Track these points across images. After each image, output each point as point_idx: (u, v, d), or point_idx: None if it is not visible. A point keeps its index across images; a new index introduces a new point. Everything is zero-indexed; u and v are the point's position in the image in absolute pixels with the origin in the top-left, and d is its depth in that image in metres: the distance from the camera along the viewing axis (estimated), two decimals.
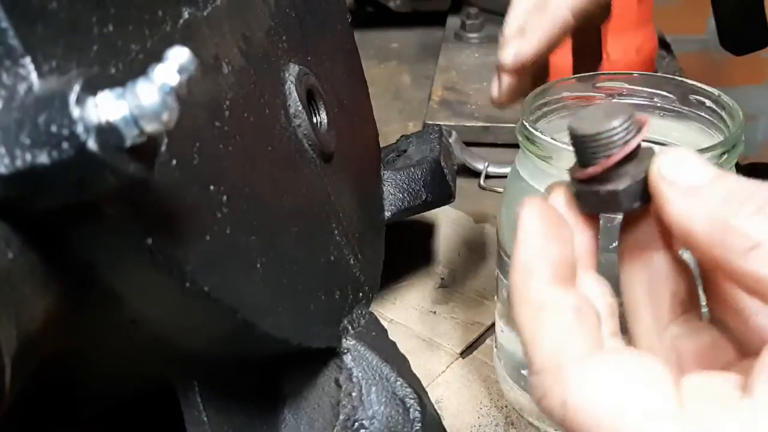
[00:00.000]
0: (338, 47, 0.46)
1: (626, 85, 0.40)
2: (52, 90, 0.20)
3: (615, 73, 0.42)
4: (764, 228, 0.19)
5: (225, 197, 0.27)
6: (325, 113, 0.40)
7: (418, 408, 0.33)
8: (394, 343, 0.37)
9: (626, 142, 0.22)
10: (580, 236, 0.24)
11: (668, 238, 0.23)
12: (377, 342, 0.36)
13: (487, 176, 0.65)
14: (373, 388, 0.33)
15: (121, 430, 0.37)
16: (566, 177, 0.24)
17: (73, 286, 0.24)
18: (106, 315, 0.26)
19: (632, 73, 0.42)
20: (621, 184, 0.22)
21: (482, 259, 0.56)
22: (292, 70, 0.37)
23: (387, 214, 0.47)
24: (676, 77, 0.40)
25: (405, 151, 0.52)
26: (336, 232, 0.38)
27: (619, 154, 0.22)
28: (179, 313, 0.27)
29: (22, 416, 0.31)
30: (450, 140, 0.58)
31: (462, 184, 0.62)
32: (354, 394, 0.33)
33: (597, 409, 0.20)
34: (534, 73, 0.41)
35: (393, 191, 0.48)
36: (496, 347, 0.44)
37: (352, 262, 0.39)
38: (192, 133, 0.27)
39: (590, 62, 0.46)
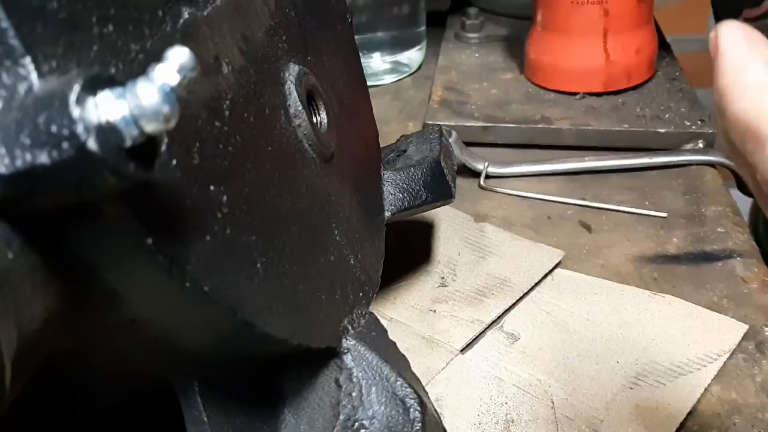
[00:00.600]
0: (338, 47, 0.46)
1: None
2: (52, 90, 0.20)
3: None
4: None
5: (225, 197, 0.27)
6: (325, 113, 0.40)
7: (419, 408, 0.33)
8: (394, 343, 0.37)
9: None
10: None
11: None
12: (377, 342, 0.36)
13: (487, 176, 0.65)
14: (374, 388, 0.33)
15: (121, 430, 0.37)
16: None
17: (73, 286, 0.24)
18: (106, 315, 0.26)
19: None
20: None
21: (482, 259, 0.56)
22: (292, 70, 0.37)
23: (387, 214, 0.47)
24: None
25: (405, 151, 0.52)
26: (336, 232, 0.38)
27: None
28: (179, 313, 0.27)
29: (22, 416, 0.31)
30: (450, 140, 0.58)
31: (462, 184, 0.62)
32: (354, 394, 0.33)
33: None
34: None
35: (393, 191, 0.48)
36: None
37: (352, 262, 0.39)
38: (192, 133, 0.27)
39: None
